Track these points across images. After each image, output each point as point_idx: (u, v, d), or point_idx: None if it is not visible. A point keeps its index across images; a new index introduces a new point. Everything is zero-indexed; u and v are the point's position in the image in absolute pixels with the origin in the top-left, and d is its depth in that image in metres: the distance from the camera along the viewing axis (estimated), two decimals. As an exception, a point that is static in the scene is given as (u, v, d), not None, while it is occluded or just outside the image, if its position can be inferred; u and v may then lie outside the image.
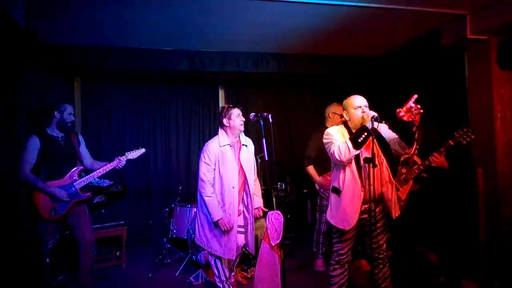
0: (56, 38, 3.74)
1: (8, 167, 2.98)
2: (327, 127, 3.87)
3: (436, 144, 2.97)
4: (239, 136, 3.15)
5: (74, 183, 3.09)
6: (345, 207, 2.50)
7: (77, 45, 3.93)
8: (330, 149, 2.55)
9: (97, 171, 3.19)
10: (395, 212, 2.58)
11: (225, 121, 3.04)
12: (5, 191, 2.91)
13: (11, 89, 3.15)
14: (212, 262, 3.12)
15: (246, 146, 3.19)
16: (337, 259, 2.67)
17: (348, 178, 2.52)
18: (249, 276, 3.68)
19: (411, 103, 2.23)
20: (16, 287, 2.89)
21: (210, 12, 3.19)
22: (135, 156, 3.35)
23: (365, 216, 2.56)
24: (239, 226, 3.11)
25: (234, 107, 3.08)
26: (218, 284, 3.13)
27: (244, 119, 3.08)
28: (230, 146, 3.06)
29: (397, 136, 2.47)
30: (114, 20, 3.32)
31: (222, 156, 3.02)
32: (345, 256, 2.65)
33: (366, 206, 2.52)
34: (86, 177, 3.15)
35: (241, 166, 3.09)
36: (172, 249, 4.24)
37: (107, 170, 3.22)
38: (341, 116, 3.81)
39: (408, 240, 3.31)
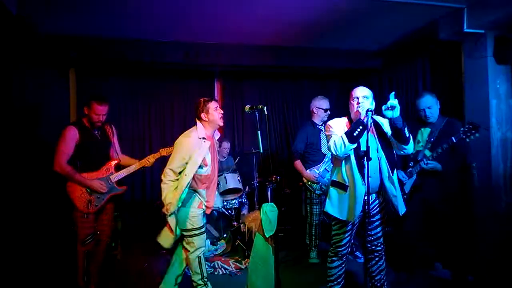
0: (50, 28, 3.68)
1: (6, 162, 2.98)
2: (314, 122, 3.90)
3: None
4: (214, 132, 3.00)
5: (111, 176, 3.05)
6: (349, 200, 2.52)
7: (71, 35, 3.87)
8: (328, 142, 2.56)
9: (133, 165, 3.17)
10: (401, 209, 2.58)
11: (203, 115, 2.87)
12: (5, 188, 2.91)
13: (5, 79, 3.12)
14: (197, 263, 2.90)
15: (216, 141, 3.12)
16: (335, 251, 2.69)
17: (349, 172, 2.53)
18: (243, 267, 3.70)
19: (393, 101, 2.28)
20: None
21: (205, 3, 3.16)
22: (169, 153, 3.23)
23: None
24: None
25: (211, 100, 2.91)
26: (198, 282, 2.94)
27: (222, 112, 2.92)
28: (205, 140, 2.86)
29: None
30: (108, 10, 3.27)
31: (200, 149, 2.81)
32: (344, 248, 2.67)
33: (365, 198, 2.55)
34: (123, 171, 3.11)
35: (215, 160, 3.01)
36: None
37: (142, 165, 3.22)
38: (326, 110, 3.84)
39: (405, 232, 3.31)
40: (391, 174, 2.56)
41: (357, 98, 2.54)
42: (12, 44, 3.23)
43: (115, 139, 3.25)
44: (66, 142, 2.86)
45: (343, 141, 2.41)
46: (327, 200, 2.70)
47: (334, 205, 2.61)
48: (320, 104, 3.87)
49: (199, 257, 2.91)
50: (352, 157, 2.52)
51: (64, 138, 2.87)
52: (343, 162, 2.56)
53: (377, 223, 2.64)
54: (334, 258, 2.71)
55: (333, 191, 2.65)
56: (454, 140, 2.84)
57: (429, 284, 3.27)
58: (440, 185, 3.08)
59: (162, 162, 5.11)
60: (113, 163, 3.14)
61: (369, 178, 2.41)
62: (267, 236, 2.58)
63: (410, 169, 3.15)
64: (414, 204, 3.13)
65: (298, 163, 3.84)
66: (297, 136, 3.94)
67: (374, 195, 2.61)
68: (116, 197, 3.20)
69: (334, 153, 2.48)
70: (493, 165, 3.26)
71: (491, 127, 3.25)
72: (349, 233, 2.63)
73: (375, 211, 2.62)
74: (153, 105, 5.23)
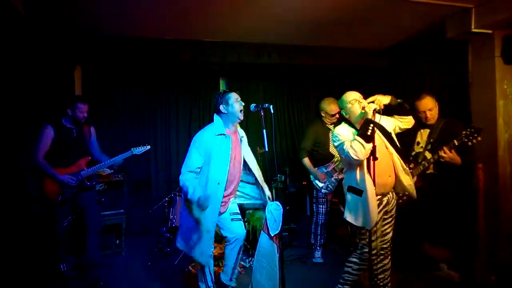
0: (56, 26, 3.70)
1: (11, 156, 3.02)
2: (323, 121, 3.88)
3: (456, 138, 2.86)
4: (236, 128, 2.86)
5: (81, 172, 3.29)
6: (365, 205, 2.50)
7: (77, 33, 3.90)
8: (344, 150, 2.50)
9: (103, 163, 3.37)
10: (413, 194, 2.69)
11: (222, 107, 2.73)
12: (12, 178, 3.06)
13: (13, 76, 3.16)
14: (202, 270, 2.81)
15: (242, 137, 2.94)
16: (362, 257, 2.66)
17: (362, 176, 2.53)
18: (247, 266, 3.71)
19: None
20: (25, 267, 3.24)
21: (212, 2, 3.16)
22: (140, 152, 3.48)
23: (388, 206, 2.65)
24: (233, 213, 2.87)
25: (232, 91, 2.77)
26: None
27: (243, 105, 2.78)
28: (225, 136, 2.74)
29: (395, 116, 2.68)
30: (115, 8, 3.28)
31: (214, 147, 2.69)
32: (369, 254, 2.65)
33: (387, 197, 2.63)
34: (93, 167, 3.35)
35: (238, 161, 2.84)
36: (172, 238, 4.27)
37: (112, 162, 3.39)
38: (333, 115, 3.77)
39: (408, 234, 3.29)
40: (404, 165, 2.63)
41: (358, 100, 2.60)
42: (21, 42, 3.26)
43: (94, 139, 3.50)
44: (42, 140, 3.21)
45: (361, 143, 2.39)
46: (345, 206, 2.68)
47: (351, 211, 2.61)
48: (331, 110, 3.74)
49: (202, 266, 2.79)
50: (364, 161, 2.52)
51: (41, 136, 3.22)
52: (357, 167, 2.55)
53: (389, 219, 2.67)
54: (359, 263, 2.68)
55: (349, 196, 2.65)
56: (456, 143, 2.80)
57: (434, 285, 3.26)
58: (442, 187, 3.06)
59: (167, 160, 5.18)
60: (85, 160, 3.35)
61: (388, 178, 2.53)
62: (272, 235, 2.58)
63: (411, 171, 3.08)
64: (411, 205, 3.10)
65: (307, 160, 3.82)
66: (306, 133, 3.93)
67: (390, 193, 2.66)
68: (120, 193, 3.58)
69: (355, 158, 2.42)
70: (500, 166, 3.24)
71: (498, 128, 3.22)
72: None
73: (391, 209, 2.67)
74: (158, 103, 5.25)
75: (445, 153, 2.84)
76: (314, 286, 3.32)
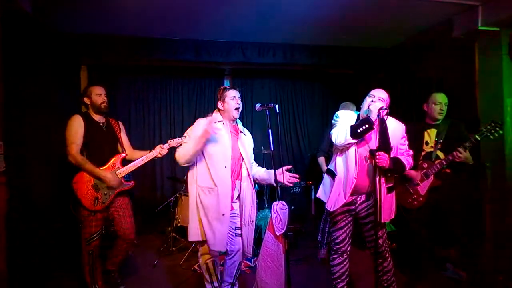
0: (62, 26, 3.74)
1: (15, 162, 3.02)
2: None
3: (463, 138, 2.87)
4: (236, 123, 2.81)
5: (117, 172, 2.90)
6: (335, 190, 2.57)
7: (83, 33, 3.93)
8: (332, 130, 2.59)
9: (140, 159, 2.95)
10: (383, 217, 2.48)
11: (219, 104, 2.71)
12: (13, 187, 2.87)
13: (19, 77, 3.18)
14: (204, 267, 2.76)
15: (244, 134, 2.86)
16: (335, 248, 2.71)
17: (343, 165, 2.55)
18: (252, 265, 3.71)
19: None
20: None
21: (217, 1, 3.17)
22: (178, 144, 2.91)
23: (352, 207, 2.60)
24: (236, 228, 2.81)
25: (231, 88, 2.73)
26: None
27: (239, 103, 2.71)
28: (223, 124, 2.70)
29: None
30: (120, 8, 3.30)
31: (220, 131, 2.65)
32: (342, 245, 2.68)
33: (353, 197, 2.57)
34: (129, 165, 2.95)
35: (240, 154, 2.75)
36: (177, 238, 4.29)
37: (150, 158, 2.97)
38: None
39: (419, 233, 3.27)
40: (384, 179, 2.53)
41: (373, 95, 2.49)
42: (28, 43, 3.28)
43: (123, 135, 3.14)
44: (72, 132, 2.78)
45: (346, 133, 2.42)
46: (320, 186, 2.76)
47: (326, 192, 2.68)
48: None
49: (207, 264, 2.74)
50: (353, 153, 2.51)
51: (71, 127, 2.80)
52: (341, 154, 2.59)
53: (370, 224, 2.61)
54: (334, 256, 2.74)
55: (327, 178, 2.72)
56: (478, 138, 2.79)
57: (440, 285, 3.24)
58: (459, 185, 3.05)
59: (173, 160, 5.19)
60: (120, 157, 2.98)
61: (355, 178, 2.46)
62: (278, 235, 2.58)
63: (425, 170, 3.09)
64: (428, 205, 3.09)
65: (321, 159, 4.00)
66: (324, 136, 4.05)
67: (363, 196, 2.59)
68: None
69: (333, 141, 2.53)
70: (507, 164, 3.21)
71: (505, 126, 3.20)
72: (344, 229, 2.66)
73: (365, 213, 2.61)
74: (164, 102, 5.27)
75: (460, 153, 2.85)
76: (320, 285, 3.32)
